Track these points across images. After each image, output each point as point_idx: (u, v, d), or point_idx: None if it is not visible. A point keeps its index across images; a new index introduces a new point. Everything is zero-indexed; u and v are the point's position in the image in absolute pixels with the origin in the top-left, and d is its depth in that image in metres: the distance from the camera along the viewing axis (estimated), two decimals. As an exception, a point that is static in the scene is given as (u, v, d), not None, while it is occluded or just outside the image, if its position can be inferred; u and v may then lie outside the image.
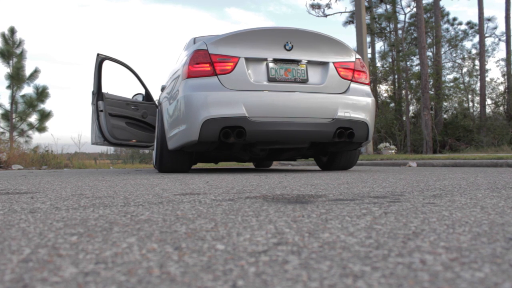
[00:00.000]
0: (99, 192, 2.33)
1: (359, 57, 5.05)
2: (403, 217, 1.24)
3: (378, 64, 32.76)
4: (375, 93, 29.98)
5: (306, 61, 4.70)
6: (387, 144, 15.45)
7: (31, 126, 28.87)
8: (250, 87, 4.48)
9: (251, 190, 2.35)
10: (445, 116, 28.89)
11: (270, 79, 4.56)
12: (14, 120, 27.95)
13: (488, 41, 31.07)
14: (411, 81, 28.02)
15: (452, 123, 27.58)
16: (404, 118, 28.39)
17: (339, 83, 4.78)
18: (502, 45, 41.69)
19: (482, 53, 27.59)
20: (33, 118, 29.08)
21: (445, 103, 28.90)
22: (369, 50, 32.52)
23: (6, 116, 28.29)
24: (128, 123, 7.42)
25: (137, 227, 1.11)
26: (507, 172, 4.47)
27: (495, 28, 33.22)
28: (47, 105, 29.28)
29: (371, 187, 2.45)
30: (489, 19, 31.55)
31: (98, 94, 7.00)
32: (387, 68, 31.21)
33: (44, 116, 29.24)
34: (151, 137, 7.29)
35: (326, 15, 30.11)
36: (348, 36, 63.78)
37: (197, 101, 4.40)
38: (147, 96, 7.84)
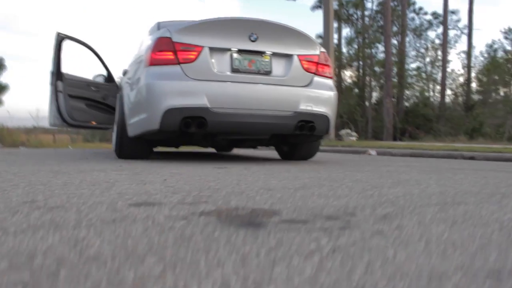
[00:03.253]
0: (52, 197, 2.30)
1: (324, 50, 5.12)
2: (350, 259, 1.28)
3: (344, 50, 33.01)
4: (339, 78, 30.36)
5: (270, 52, 4.74)
6: (349, 131, 15.70)
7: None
8: (213, 77, 4.51)
9: (207, 198, 2.36)
10: (406, 104, 29.49)
11: (234, 70, 4.60)
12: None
13: (451, 33, 31.67)
14: (375, 68, 28.45)
15: (413, 112, 28.25)
16: (367, 104, 28.87)
17: (302, 76, 4.86)
18: (464, 38, 42.50)
19: (444, 44, 28.24)
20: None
21: (407, 92, 29.52)
22: (336, 36, 32.68)
23: (-41, 87, 27.22)
24: (88, 105, 7.40)
25: (84, 271, 1.10)
26: (460, 170, 4.62)
27: (458, 21, 33.96)
28: (3, 78, 28.21)
29: (326, 197, 2.50)
30: (453, 12, 32.19)
31: (57, 74, 6.92)
32: (353, 55, 31.56)
33: (0, 89, 28.34)
34: (111, 119, 7.21)
35: (294, -1, 29.99)
36: (316, 20, 63.76)
37: (159, 90, 4.40)
38: (109, 77, 7.76)
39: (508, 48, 27.50)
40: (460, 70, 35.40)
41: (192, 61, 4.38)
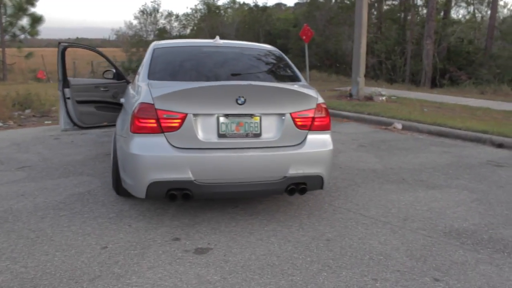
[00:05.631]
0: None
1: (322, 101, 4.77)
2: None
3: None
4: (379, 13, 28.77)
5: (260, 114, 4.49)
6: (379, 90, 15.24)
7: (23, 30, 28.18)
8: (198, 145, 4.38)
9: None
10: (450, 40, 27.58)
11: (220, 135, 4.42)
12: (4, 24, 27.20)
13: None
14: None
15: (456, 50, 26.57)
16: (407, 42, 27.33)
17: (295, 134, 4.60)
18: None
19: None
20: (24, 22, 28.23)
21: (451, 29, 27.56)
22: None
23: (-4, 19, 27.46)
24: (98, 107, 7.54)
25: None
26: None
27: None
28: (37, 9, 28.42)
29: None
30: None
31: (64, 81, 7.05)
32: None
33: (36, 20, 28.45)
34: None
35: None
36: None
37: (143, 163, 4.40)
38: (118, 75, 7.74)
39: None
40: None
41: (176, 129, 4.26)
